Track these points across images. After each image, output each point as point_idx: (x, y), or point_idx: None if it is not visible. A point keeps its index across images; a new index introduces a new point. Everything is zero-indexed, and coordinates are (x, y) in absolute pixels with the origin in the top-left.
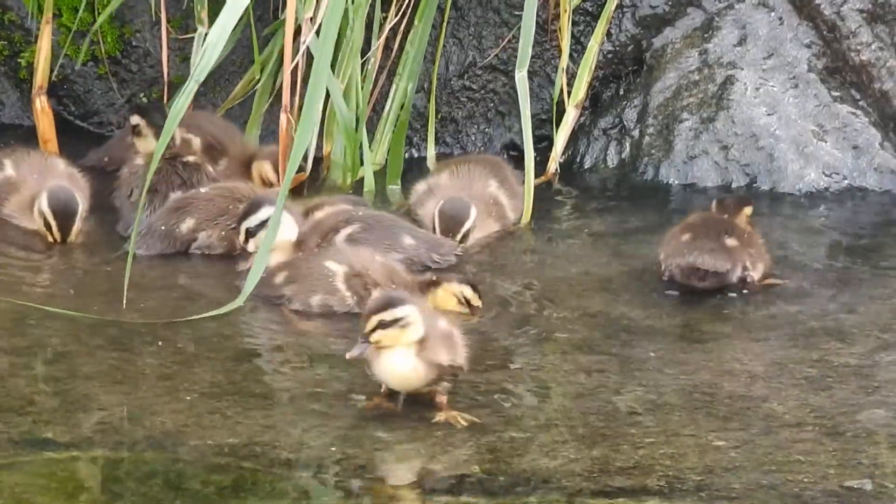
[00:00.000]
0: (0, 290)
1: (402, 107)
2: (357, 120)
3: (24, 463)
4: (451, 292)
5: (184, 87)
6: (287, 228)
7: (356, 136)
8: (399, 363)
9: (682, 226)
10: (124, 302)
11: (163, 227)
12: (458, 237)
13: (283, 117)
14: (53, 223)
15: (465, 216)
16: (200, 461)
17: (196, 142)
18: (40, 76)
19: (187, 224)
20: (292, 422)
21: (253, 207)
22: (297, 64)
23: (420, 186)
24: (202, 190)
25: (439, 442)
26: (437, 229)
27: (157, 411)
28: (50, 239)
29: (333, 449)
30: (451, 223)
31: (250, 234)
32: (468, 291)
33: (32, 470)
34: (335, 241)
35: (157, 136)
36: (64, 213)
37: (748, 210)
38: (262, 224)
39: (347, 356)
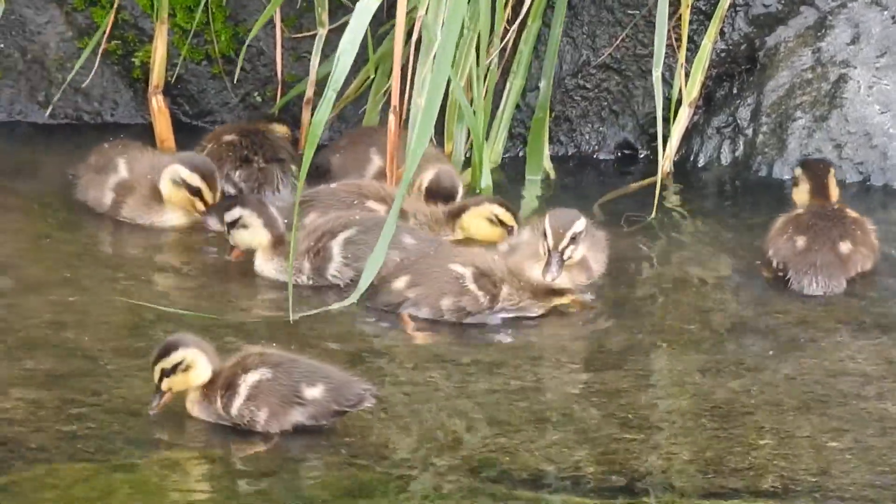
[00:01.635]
0: (117, 290)
1: (516, 105)
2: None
3: (139, 463)
4: (481, 215)
5: (322, 99)
6: (259, 232)
7: (483, 134)
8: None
9: (793, 223)
10: (290, 313)
11: (285, 221)
12: (566, 241)
13: (391, 118)
14: (203, 184)
15: (574, 218)
16: (313, 461)
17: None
18: (156, 76)
19: (310, 217)
20: (406, 424)
21: (230, 206)
22: (409, 63)
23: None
24: (331, 185)
25: (556, 442)
26: (548, 231)
27: None
28: (200, 206)
29: (449, 450)
30: (561, 223)
31: (231, 226)
32: (499, 210)
33: (147, 469)
34: (331, 245)
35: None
36: (209, 172)
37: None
38: (235, 223)
39: (151, 413)
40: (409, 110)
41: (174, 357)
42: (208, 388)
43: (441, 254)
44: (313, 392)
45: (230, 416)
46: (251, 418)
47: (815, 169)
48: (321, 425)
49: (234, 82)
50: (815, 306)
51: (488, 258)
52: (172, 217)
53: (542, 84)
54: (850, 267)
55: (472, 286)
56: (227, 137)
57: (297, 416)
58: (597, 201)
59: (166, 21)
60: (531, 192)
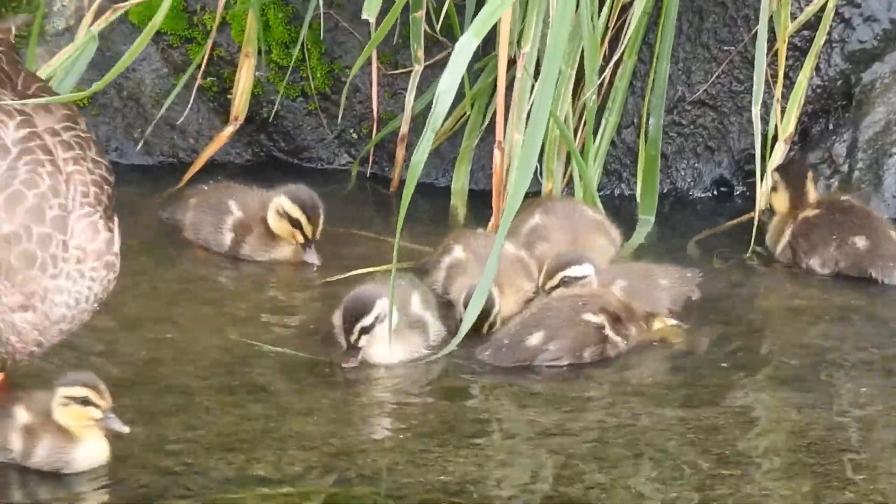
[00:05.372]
0: (213, 327)
1: (611, 142)
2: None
3: (236, 500)
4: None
5: (420, 139)
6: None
7: (591, 171)
8: None
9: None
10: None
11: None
12: (553, 282)
13: (496, 153)
14: (302, 217)
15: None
16: (412, 498)
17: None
18: (237, 107)
19: (455, 251)
20: (503, 461)
21: (367, 305)
22: (509, 98)
23: None
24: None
25: (652, 479)
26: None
27: (368, 449)
28: (300, 238)
29: (547, 487)
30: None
31: (365, 331)
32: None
33: None
34: (424, 316)
35: None
36: (311, 206)
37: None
38: (378, 318)
39: None
40: None
41: None
42: None
43: (566, 305)
44: None
45: None
46: None
47: (794, 174)
48: None
49: (338, 121)
50: None
51: (609, 297)
52: (287, 251)
53: (651, 121)
54: None
55: (611, 332)
56: None
57: None
58: (692, 239)
59: (251, 55)
60: (642, 232)
